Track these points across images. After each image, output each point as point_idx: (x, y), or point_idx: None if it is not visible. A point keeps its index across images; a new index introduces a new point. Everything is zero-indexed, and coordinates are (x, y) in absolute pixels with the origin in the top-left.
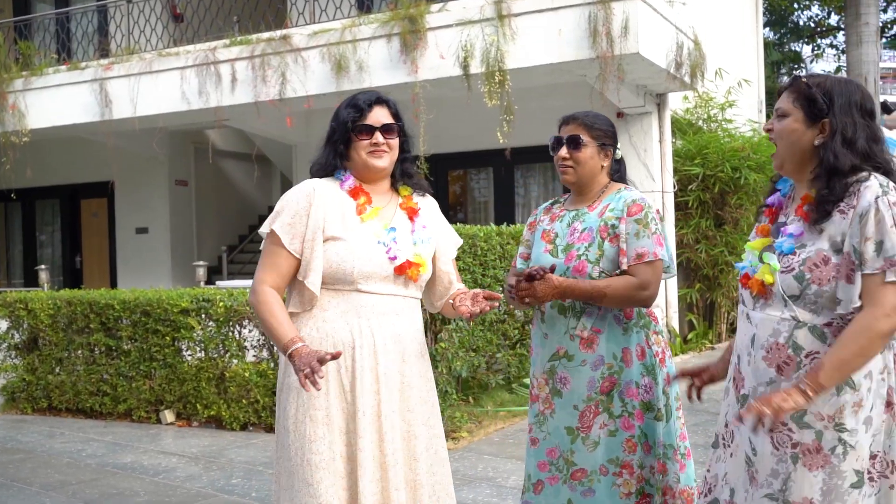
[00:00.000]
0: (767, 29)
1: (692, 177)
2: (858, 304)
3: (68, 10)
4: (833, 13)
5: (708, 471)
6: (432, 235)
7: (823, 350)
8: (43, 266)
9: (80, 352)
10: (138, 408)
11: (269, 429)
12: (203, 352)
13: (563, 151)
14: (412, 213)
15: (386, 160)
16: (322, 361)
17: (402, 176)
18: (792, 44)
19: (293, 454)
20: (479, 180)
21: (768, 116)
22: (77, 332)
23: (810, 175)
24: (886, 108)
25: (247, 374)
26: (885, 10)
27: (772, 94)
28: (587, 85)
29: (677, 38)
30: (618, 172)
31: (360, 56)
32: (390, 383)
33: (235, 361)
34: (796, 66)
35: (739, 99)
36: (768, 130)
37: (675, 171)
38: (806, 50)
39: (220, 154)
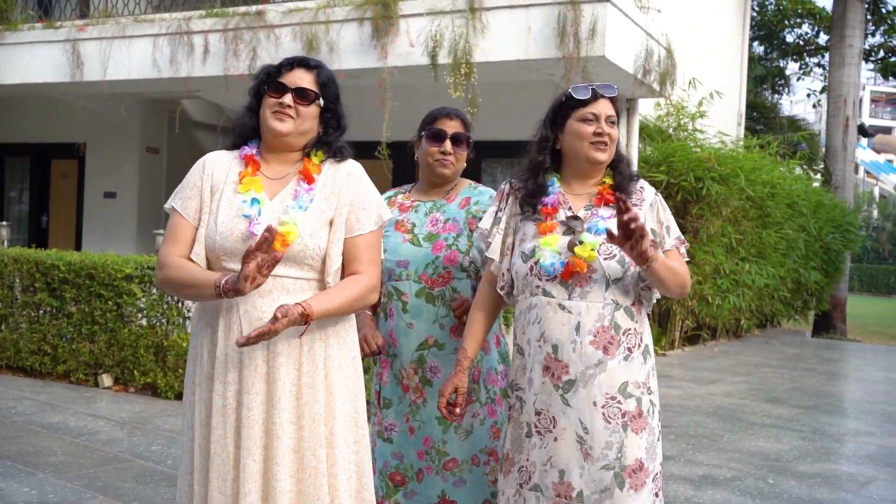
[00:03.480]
0: (756, 43)
1: (656, 184)
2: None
3: None
4: (822, 32)
5: (527, 460)
6: (319, 198)
7: (637, 327)
8: (5, 223)
9: (24, 311)
10: (77, 370)
11: None
12: (144, 319)
13: (449, 146)
14: (307, 179)
15: (288, 125)
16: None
17: (317, 145)
18: (780, 60)
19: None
20: None
21: (747, 129)
22: (22, 291)
23: (607, 171)
24: (864, 131)
25: (185, 345)
26: (873, 34)
27: (752, 108)
28: (554, 84)
29: (647, 45)
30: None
31: (332, 37)
32: (249, 373)
33: (175, 331)
34: (780, 82)
35: (718, 111)
36: (607, 135)
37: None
38: (793, 66)
39: (194, 125)
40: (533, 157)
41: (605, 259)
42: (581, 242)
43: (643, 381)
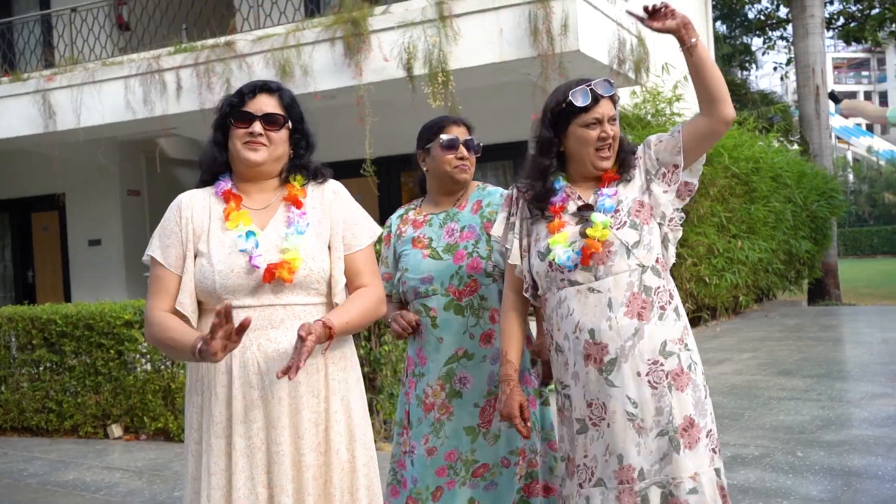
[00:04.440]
0: (718, 22)
1: None
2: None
3: (10, 20)
4: (782, 5)
5: (585, 456)
6: (313, 221)
7: (664, 284)
8: None
9: (24, 369)
10: (85, 423)
11: None
12: (149, 364)
13: (465, 152)
14: (295, 203)
15: (262, 154)
16: (219, 322)
17: (293, 170)
18: (743, 37)
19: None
20: None
21: None
22: (20, 349)
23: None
24: (834, 97)
25: None
26: (831, 2)
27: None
28: (531, 83)
29: (619, 35)
30: None
31: (305, 60)
32: (274, 408)
33: (182, 372)
34: (747, 59)
35: (691, 93)
36: (613, 137)
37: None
38: (757, 42)
39: (172, 162)
40: (538, 160)
41: (619, 229)
42: (592, 224)
43: (679, 337)
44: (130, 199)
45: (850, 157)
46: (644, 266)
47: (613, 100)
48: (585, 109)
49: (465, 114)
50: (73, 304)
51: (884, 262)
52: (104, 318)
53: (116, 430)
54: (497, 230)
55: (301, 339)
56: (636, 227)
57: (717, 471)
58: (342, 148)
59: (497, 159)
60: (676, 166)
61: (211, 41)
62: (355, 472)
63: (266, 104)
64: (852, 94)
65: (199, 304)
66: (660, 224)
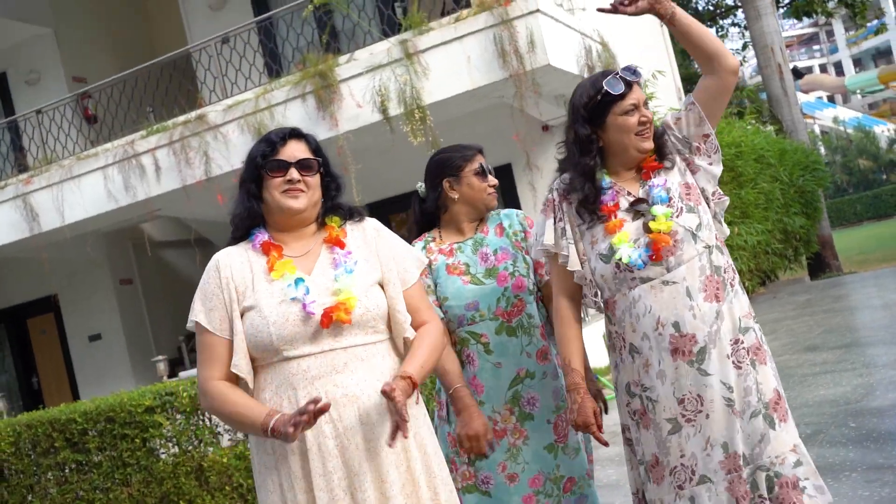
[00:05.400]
0: None
1: None
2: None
3: None
4: None
5: (682, 456)
6: (360, 259)
7: (728, 260)
8: None
9: (49, 474)
10: None
11: None
12: (176, 447)
13: (493, 180)
14: (337, 244)
15: (303, 200)
16: (305, 412)
17: (328, 212)
18: None
19: None
20: None
21: None
22: (43, 455)
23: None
24: (798, 73)
25: (225, 460)
26: None
27: (687, 81)
28: (507, 105)
29: (584, 43)
30: None
31: (278, 120)
32: (350, 456)
33: (211, 450)
34: None
35: (658, 91)
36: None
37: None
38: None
39: (161, 245)
40: (581, 162)
41: (678, 216)
42: (654, 217)
43: (748, 311)
44: (124, 288)
45: (817, 130)
46: (710, 246)
47: (640, 85)
48: (622, 97)
49: (446, 145)
50: (90, 400)
51: (870, 227)
52: (124, 408)
53: None
54: (548, 238)
55: (390, 398)
56: (693, 210)
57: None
58: None
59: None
60: (707, 135)
61: (182, 117)
62: None
63: (297, 150)
64: (808, 70)
65: (253, 360)
66: (708, 202)
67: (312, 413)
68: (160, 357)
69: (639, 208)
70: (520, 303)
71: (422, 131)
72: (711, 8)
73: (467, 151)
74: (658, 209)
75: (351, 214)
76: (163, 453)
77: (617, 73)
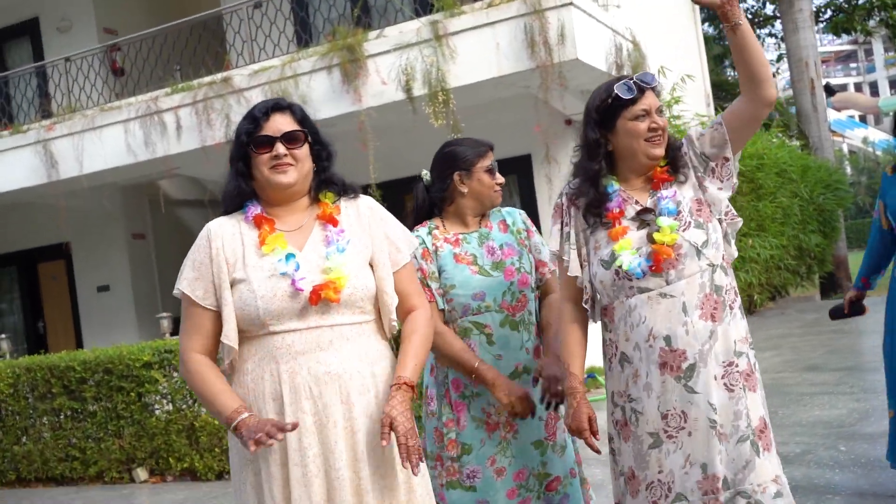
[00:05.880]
0: (707, 24)
1: None
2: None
3: (7, 73)
4: (768, 3)
5: (660, 472)
6: (352, 238)
7: (731, 282)
8: (3, 335)
9: (44, 418)
10: (110, 469)
11: None
12: (171, 404)
13: (501, 179)
14: (331, 222)
15: (291, 175)
16: (271, 435)
17: (321, 185)
18: None
19: None
20: None
21: (716, 109)
22: (40, 399)
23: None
24: (830, 90)
25: (216, 422)
26: None
27: (717, 87)
28: (531, 96)
29: (615, 41)
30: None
31: (303, 90)
32: (328, 432)
33: (204, 410)
34: None
35: (685, 94)
36: (663, 128)
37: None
38: None
39: (176, 203)
40: (586, 165)
41: (685, 231)
42: (659, 229)
43: (745, 335)
44: (136, 242)
45: (845, 149)
46: (714, 265)
47: (656, 91)
48: (633, 101)
49: (468, 131)
50: (91, 350)
51: None
52: (122, 361)
53: (142, 473)
54: (553, 244)
55: (390, 426)
56: (701, 226)
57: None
58: (346, 174)
59: (501, 174)
60: (727, 158)
61: (208, 78)
62: (413, 492)
63: (282, 123)
64: (842, 87)
65: (238, 331)
66: (719, 220)
67: (276, 436)
68: (165, 314)
69: (645, 218)
70: (524, 298)
71: (443, 114)
72: (750, 17)
73: (480, 147)
74: (664, 221)
75: (345, 190)
76: (156, 409)
77: (631, 79)
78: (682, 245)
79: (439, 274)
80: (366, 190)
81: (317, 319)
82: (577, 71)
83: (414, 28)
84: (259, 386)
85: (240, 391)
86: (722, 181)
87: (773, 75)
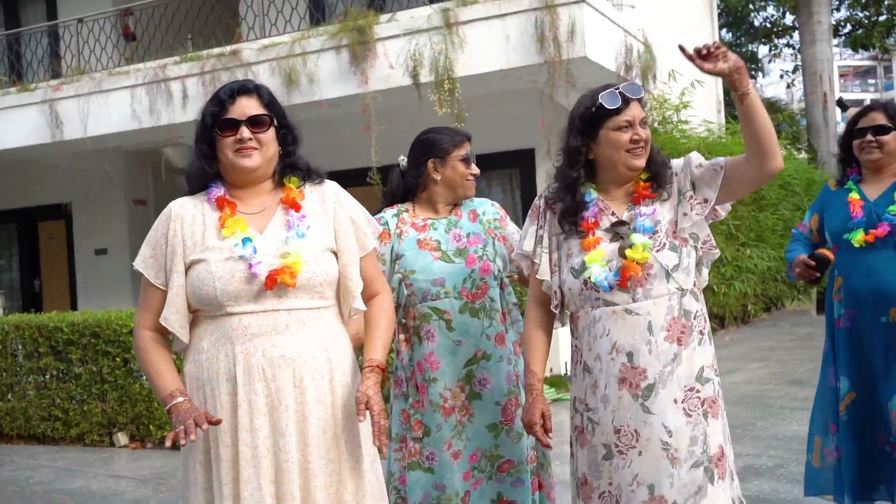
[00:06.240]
0: (724, 30)
1: None
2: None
3: (19, 31)
4: (788, 13)
5: (610, 484)
6: (314, 224)
7: (701, 308)
8: None
9: (30, 377)
10: (91, 431)
11: None
12: None
13: (475, 170)
14: (293, 207)
15: (256, 159)
16: (199, 425)
17: (286, 170)
18: (749, 44)
19: (184, 500)
20: None
21: (727, 116)
22: (27, 357)
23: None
24: (842, 104)
25: None
26: (837, 9)
27: (730, 94)
28: (538, 90)
29: (626, 41)
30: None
31: (310, 69)
32: (281, 415)
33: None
34: (753, 67)
35: (696, 100)
36: (645, 140)
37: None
38: (763, 50)
39: (178, 171)
40: (565, 172)
41: (658, 251)
42: (632, 245)
43: (712, 362)
44: (137, 208)
45: None
46: (683, 290)
47: (641, 103)
48: (616, 112)
49: (472, 121)
50: (80, 313)
51: None
52: (110, 325)
53: (122, 438)
54: (528, 244)
55: (365, 407)
56: (675, 249)
57: (740, 500)
58: (347, 156)
59: (503, 167)
60: (706, 200)
61: (217, 50)
62: (362, 480)
63: (248, 106)
64: (858, 103)
65: (197, 311)
66: (695, 247)
67: (202, 426)
68: None
69: (619, 230)
70: (484, 285)
71: (448, 102)
72: (769, 25)
73: (457, 137)
74: (638, 238)
75: (310, 175)
76: (141, 376)
77: (617, 88)
78: (652, 265)
79: (398, 258)
80: (366, 173)
81: (274, 303)
82: (584, 69)
83: (425, 14)
84: (214, 366)
85: (194, 369)
86: (691, 214)
87: (788, 87)
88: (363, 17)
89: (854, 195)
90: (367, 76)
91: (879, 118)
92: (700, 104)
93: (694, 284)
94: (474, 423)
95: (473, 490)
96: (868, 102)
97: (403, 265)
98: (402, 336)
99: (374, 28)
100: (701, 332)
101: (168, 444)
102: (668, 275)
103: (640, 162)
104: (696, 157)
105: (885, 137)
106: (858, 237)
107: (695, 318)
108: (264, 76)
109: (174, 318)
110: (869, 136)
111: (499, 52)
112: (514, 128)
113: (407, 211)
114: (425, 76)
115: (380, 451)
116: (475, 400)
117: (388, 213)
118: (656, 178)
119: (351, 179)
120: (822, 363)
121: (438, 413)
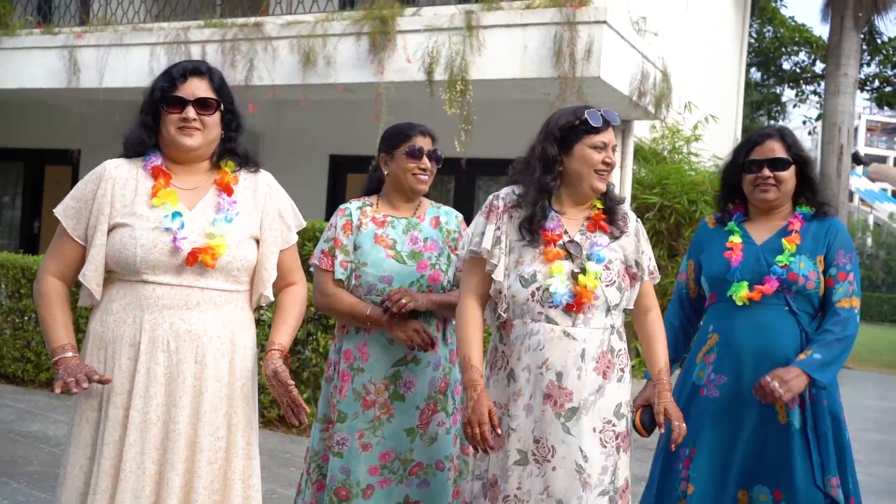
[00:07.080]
0: (753, 69)
1: (650, 205)
2: (631, 305)
3: None
4: (819, 61)
5: (518, 489)
6: (243, 210)
7: (624, 347)
8: None
9: (9, 317)
10: None
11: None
12: None
13: (427, 163)
14: (226, 190)
15: (197, 139)
16: (89, 379)
17: (225, 154)
18: (776, 86)
19: (65, 453)
20: (441, 187)
21: None
22: (8, 297)
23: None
24: (858, 159)
25: None
26: (868, 64)
27: (747, 131)
28: (548, 103)
29: (643, 67)
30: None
31: (329, 51)
32: (177, 387)
33: None
34: (776, 108)
35: (714, 135)
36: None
37: (634, 198)
38: (789, 93)
39: None
40: (540, 179)
41: (608, 286)
42: (584, 271)
43: (629, 400)
44: None
45: (871, 221)
46: (613, 328)
47: (615, 132)
48: (597, 131)
49: (480, 125)
50: None
51: (891, 329)
52: None
53: None
54: (486, 242)
55: (280, 382)
56: (621, 290)
57: None
58: (356, 143)
59: (506, 174)
60: (634, 276)
61: (241, 20)
62: (250, 460)
63: (198, 88)
64: (882, 159)
65: (112, 272)
66: (642, 278)
67: (83, 384)
68: None
69: (570, 249)
70: (429, 293)
71: (459, 103)
72: (798, 70)
73: (409, 130)
74: (592, 266)
75: (247, 161)
76: None
77: (599, 111)
78: (598, 297)
79: (356, 249)
80: (370, 161)
81: (191, 279)
82: (597, 89)
83: (449, 13)
84: (120, 329)
85: (100, 328)
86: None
87: (809, 133)
88: (388, 8)
89: (735, 238)
90: (383, 66)
91: (777, 149)
92: (713, 139)
93: (621, 325)
94: (393, 424)
95: (380, 488)
96: (892, 160)
97: (357, 256)
98: (339, 322)
99: (396, 20)
100: (622, 370)
101: (57, 391)
102: (608, 310)
103: (603, 186)
104: (648, 248)
105: (784, 174)
106: (742, 294)
107: (617, 356)
108: (283, 52)
109: (92, 275)
110: (766, 171)
111: (515, 60)
112: (521, 137)
113: (371, 205)
114: (440, 74)
115: (300, 423)
116: (397, 401)
117: (353, 205)
118: (609, 213)
119: (354, 165)
120: (658, 463)
121: (358, 402)
